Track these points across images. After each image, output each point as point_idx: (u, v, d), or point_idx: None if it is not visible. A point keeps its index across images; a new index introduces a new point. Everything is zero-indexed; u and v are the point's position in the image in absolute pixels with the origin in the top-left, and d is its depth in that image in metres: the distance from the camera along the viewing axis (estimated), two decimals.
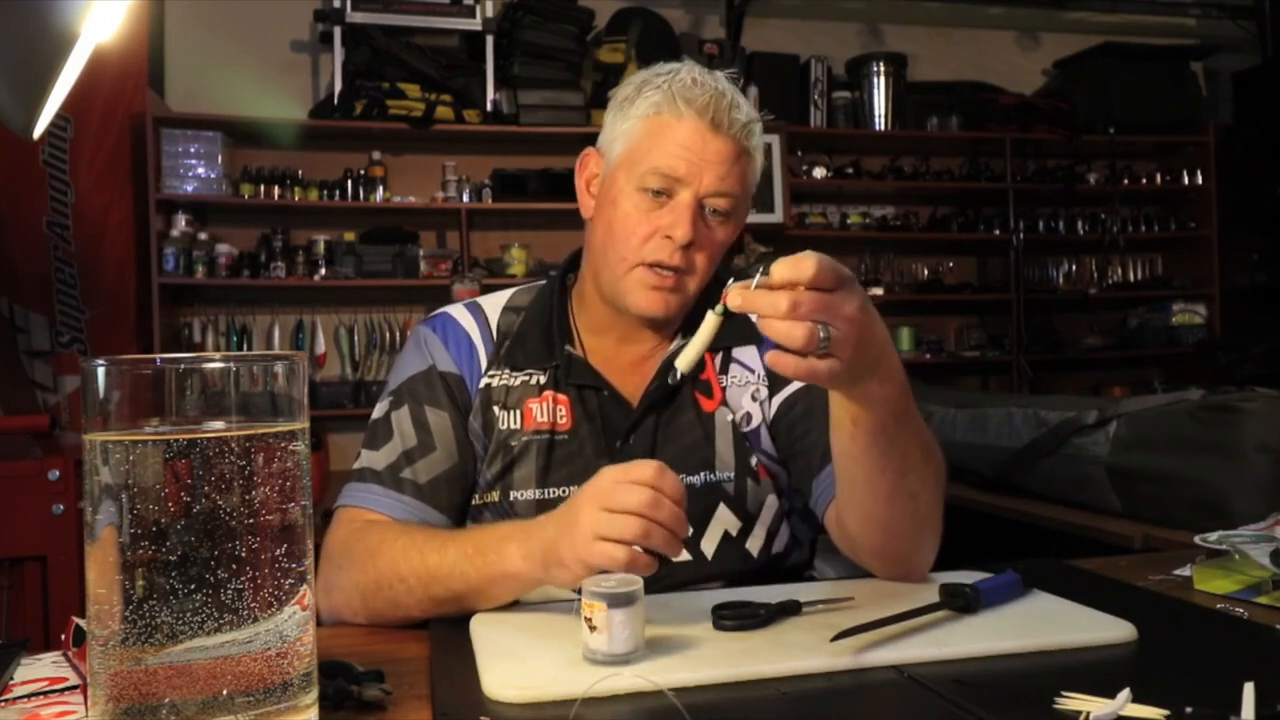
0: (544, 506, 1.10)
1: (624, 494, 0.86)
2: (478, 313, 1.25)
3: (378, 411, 1.19)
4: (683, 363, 0.91)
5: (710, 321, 0.88)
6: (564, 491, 1.15)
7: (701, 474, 1.18)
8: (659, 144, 1.12)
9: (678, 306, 1.15)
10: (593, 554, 0.87)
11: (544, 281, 1.30)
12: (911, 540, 1.06)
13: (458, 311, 1.26)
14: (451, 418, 1.17)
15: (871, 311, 0.86)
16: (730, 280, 0.84)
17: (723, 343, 1.22)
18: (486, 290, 3.99)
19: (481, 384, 1.19)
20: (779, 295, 0.79)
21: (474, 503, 1.19)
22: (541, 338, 1.21)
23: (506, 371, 1.20)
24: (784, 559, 1.23)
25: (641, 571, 0.86)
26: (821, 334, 0.79)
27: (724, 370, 1.22)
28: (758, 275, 0.82)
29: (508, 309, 1.26)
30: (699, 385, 1.21)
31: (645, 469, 0.87)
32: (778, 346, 0.81)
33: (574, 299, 1.26)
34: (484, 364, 1.21)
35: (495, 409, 1.18)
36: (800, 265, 0.79)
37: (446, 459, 1.16)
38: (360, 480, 1.14)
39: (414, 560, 1.00)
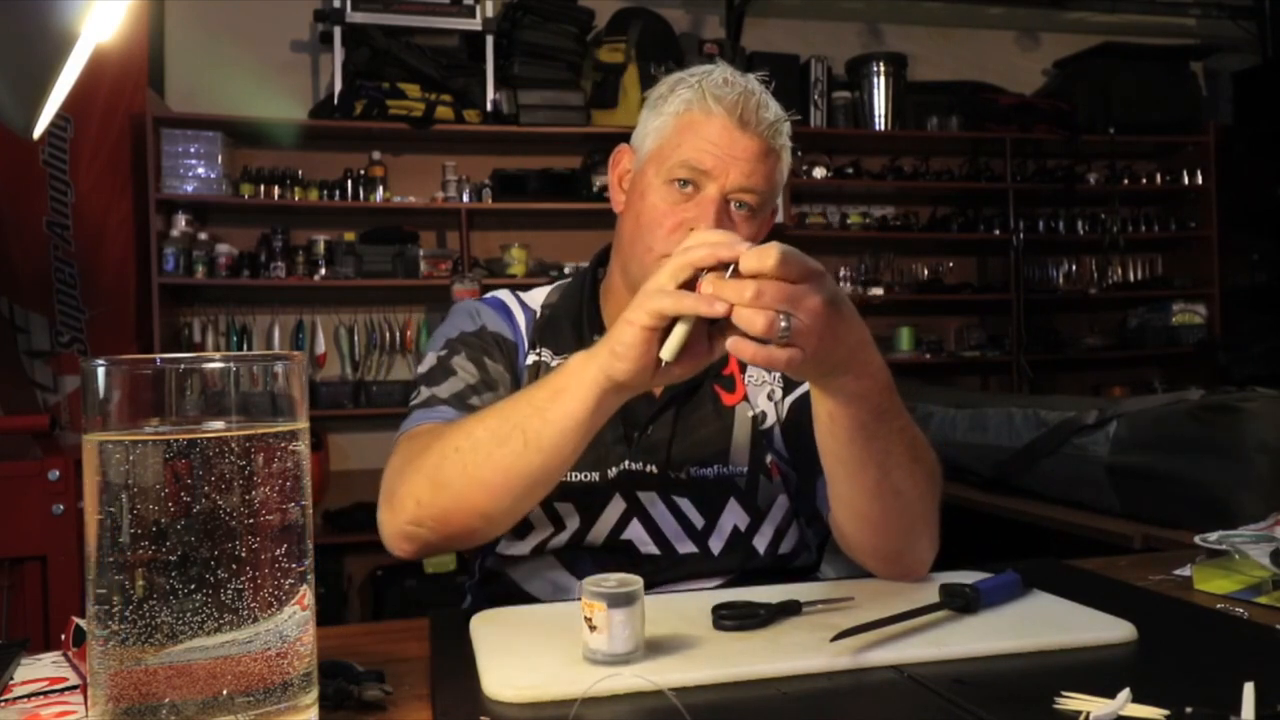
0: (564, 490, 1.13)
1: (672, 267, 0.87)
2: (521, 301, 1.30)
3: (429, 361, 1.20)
4: (666, 351, 0.91)
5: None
6: (584, 477, 1.17)
7: (715, 467, 1.19)
8: (688, 139, 1.15)
9: None
10: (651, 297, 0.86)
11: (573, 278, 1.34)
12: (903, 538, 1.06)
13: (504, 294, 1.31)
14: (506, 368, 1.20)
15: (843, 307, 0.87)
16: (704, 272, 0.86)
17: None
18: (487, 290, 4.01)
19: (530, 360, 1.23)
20: (744, 283, 0.81)
21: None
22: (572, 328, 1.25)
23: (545, 351, 1.24)
24: (791, 560, 1.23)
25: (690, 306, 0.85)
26: (783, 323, 0.81)
27: (743, 369, 1.25)
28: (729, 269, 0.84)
29: (545, 306, 1.30)
30: (721, 380, 1.23)
31: (683, 248, 0.88)
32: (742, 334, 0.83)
33: (603, 292, 1.29)
34: (527, 343, 1.25)
35: None
36: (764, 255, 0.82)
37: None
38: (427, 406, 1.15)
39: (469, 424, 1.00)
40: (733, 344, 0.83)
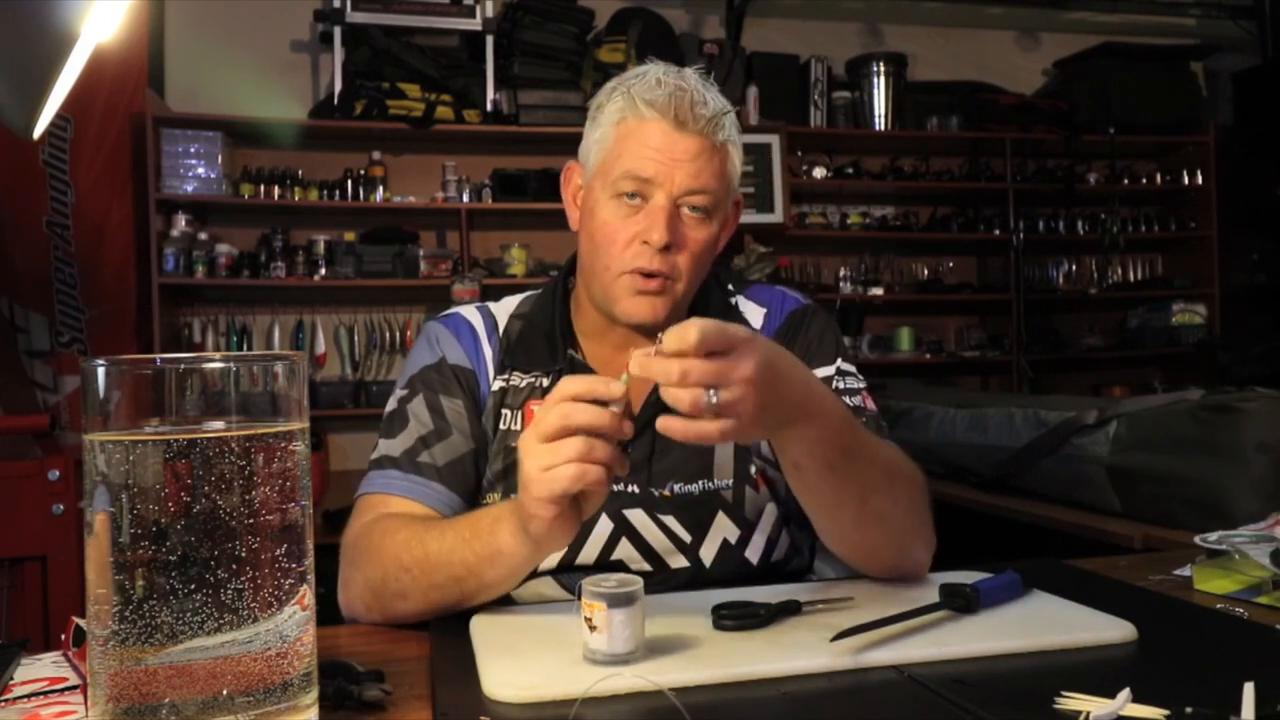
0: None
1: (545, 420, 0.85)
2: (487, 316, 1.26)
3: (391, 403, 1.21)
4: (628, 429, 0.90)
5: (622, 387, 0.88)
6: None
7: (700, 482, 1.18)
8: (628, 148, 1.12)
9: (666, 311, 1.15)
10: (542, 486, 0.85)
11: (543, 288, 1.31)
12: (893, 553, 1.08)
13: (468, 311, 1.27)
14: (465, 405, 1.19)
15: (779, 363, 0.88)
16: (660, 335, 0.84)
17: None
18: (487, 290, 4.00)
19: (495, 387, 1.21)
20: (670, 363, 0.82)
21: (480, 502, 1.19)
22: (544, 341, 1.22)
23: (514, 374, 1.21)
24: (784, 565, 1.23)
25: (594, 480, 0.84)
26: (711, 398, 0.82)
27: None
28: (656, 343, 0.84)
29: (514, 316, 1.27)
30: None
31: (554, 393, 0.86)
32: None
33: (574, 303, 1.26)
34: (492, 366, 1.22)
35: (503, 410, 1.20)
36: (685, 334, 0.82)
37: (464, 443, 1.17)
38: (379, 468, 1.16)
39: (415, 549, 1.00)
40: (662, 424, 0.84)
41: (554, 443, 0.85)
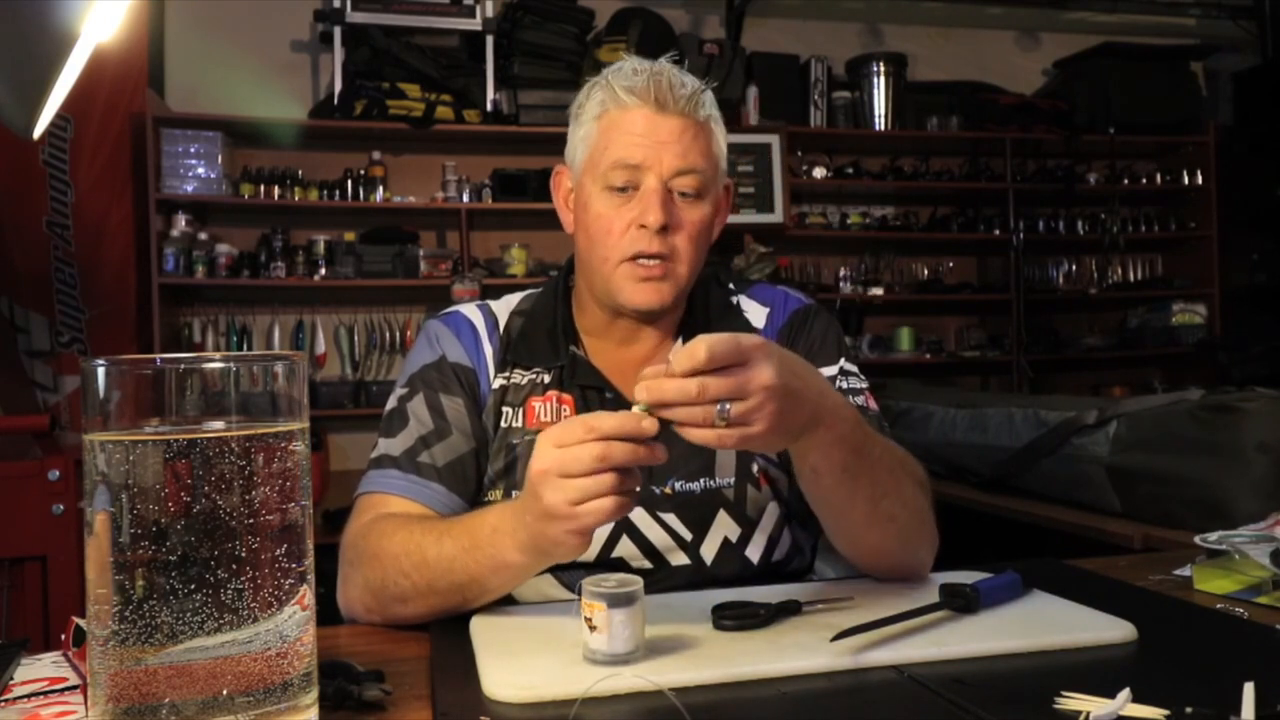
0: None
1: (574, 458, 0.85)
2: (488, 314, 1.27)
3: (391, 402, 1.21)
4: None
5: (655, 424, 0.88)
6: None
7: (701, 480, 1.18)
8: (614, 138, 1.13)
9: (672, 295, 1.15)
10: (580, 519, 0.86)
11: (544, 286, 1.31)
12: (901, 554, 1.08)
13: (468, 310, 1.27)
14: (466, 404, 1.19)
15: (794, 369, 0.88)
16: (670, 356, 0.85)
17: None
18: (487, 290, 4.00)
19: (496, 385, 1.21)
20: (687, 382, 0.83)
21: (481, 500, 1.19)
22: (546, 338, 1.22)
23: (515, 371, 1.21)
24: (785, 565, 1.23)
25: (628, 509, 0.87)
26: (724, 410, 0.83)
27: None
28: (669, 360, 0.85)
29: (515, 313, 1.27)
30: None
31: (574, 429, 0.86)
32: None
33: (575, 301, 1.26)
34: (492, 364, 1.22)
35: (504, 408, 1.20)
36: (694, 353, 0.83)
37: (464, 443, 1.17)
38: (378, 467, 1.16)
39: (414, 555, 1.00)
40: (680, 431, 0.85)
41: (584, 479, 0.85)
